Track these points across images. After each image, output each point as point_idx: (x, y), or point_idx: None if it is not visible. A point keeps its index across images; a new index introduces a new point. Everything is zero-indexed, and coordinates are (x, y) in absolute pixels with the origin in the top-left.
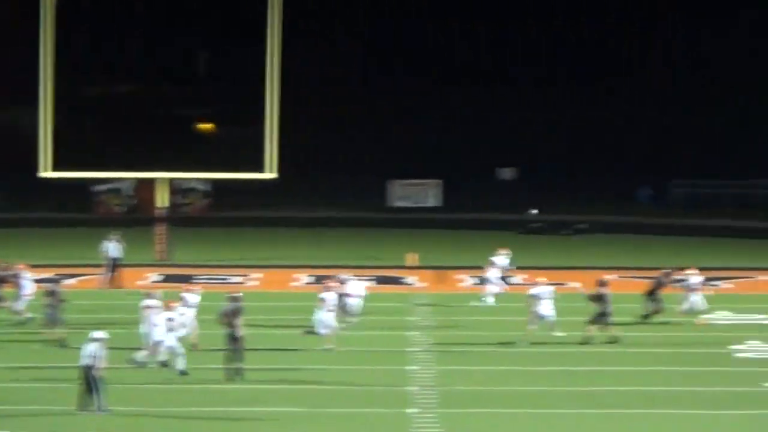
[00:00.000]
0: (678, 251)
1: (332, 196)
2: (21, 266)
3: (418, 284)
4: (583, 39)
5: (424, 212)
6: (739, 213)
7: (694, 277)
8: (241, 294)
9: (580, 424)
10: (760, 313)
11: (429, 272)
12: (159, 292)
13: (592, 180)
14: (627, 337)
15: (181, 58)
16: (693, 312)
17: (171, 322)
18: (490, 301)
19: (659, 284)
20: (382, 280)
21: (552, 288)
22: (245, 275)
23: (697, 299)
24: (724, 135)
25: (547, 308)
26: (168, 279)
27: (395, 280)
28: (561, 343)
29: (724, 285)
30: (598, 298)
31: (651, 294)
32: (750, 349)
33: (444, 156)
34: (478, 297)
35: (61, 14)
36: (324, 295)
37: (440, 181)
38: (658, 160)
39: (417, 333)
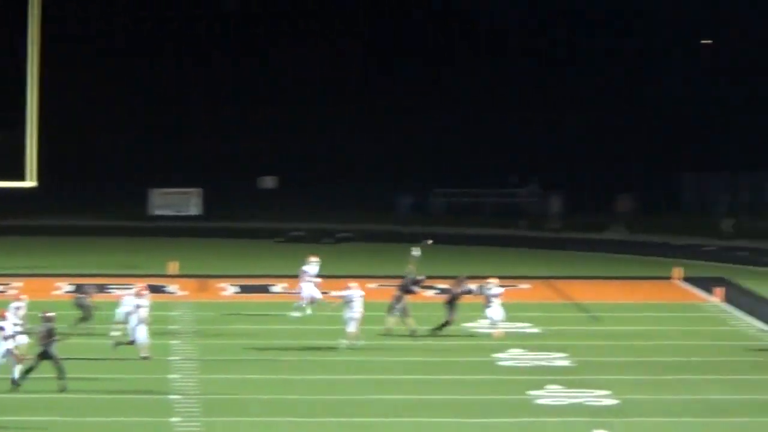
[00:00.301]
0: (438, 259)
1: (93, 204)
2: None
3: (180, 293)
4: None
5: (185, 221)
6: (497, 221)
7: (495, 288)
8: (54, 314)
9: (346, 429)
10: (521, 321)
11: (190, 281)
12: None
13: (353, 189)
14: (392, 345)
15: None
16: (493, 323)
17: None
18: (308, 312)
19: (454, 294)
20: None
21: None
22: (6, 284)
23: (496, 310)
24: (481, 144)
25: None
26: None
27: (157, 289)
28: (332, 350)
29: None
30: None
31: (449, 303)
32: (512, 357)
33: (205, 165)
34: (293, 307)
35: None
36: (139, 301)
37: (201, 190)
38: (419, 169)
39: (178, 341)
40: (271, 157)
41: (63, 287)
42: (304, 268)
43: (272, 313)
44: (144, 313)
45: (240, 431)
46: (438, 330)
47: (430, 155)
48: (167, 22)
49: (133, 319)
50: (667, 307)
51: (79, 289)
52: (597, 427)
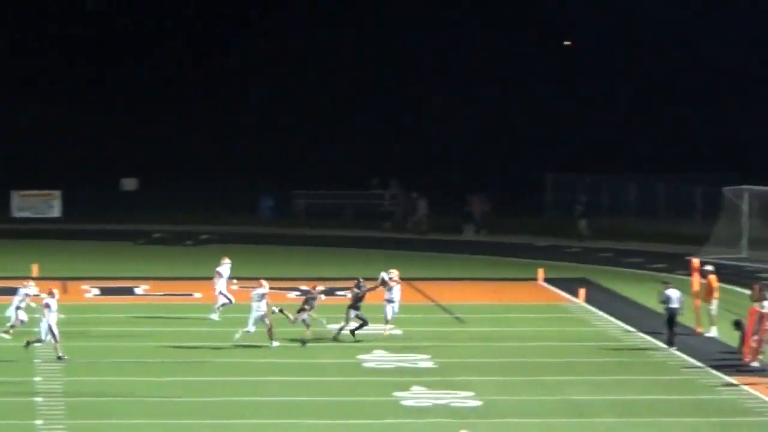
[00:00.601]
0: (300, 261)
1: None
2: None
3: (42, 295)
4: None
5: (46, 223)
6: (360, 223)
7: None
8: None
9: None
10: (378, 323)
11: (53, 282)
12: None
13: (216, 191)
14: (256, 347)
15: None
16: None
17: None
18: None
19: (358, 296)
20: (5, 291)
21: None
22: None
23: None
24: (340, 148)
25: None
26: None
27: (18, 291)
28: (197, 350)
29: (346, 296)
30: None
31: (353, 307)
32: (376, 359)
33: (66, 166)
34: (213, 309)
35: None
36: (49, 300)
37: (59, 192)
38: (281, 171)
39: (41, 344)
40: (133, 158)
41: None
42: (219, 269)
43: (136, 315)
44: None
45: None
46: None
47: (291, 158)
48: (33, 21)
49: (44, 320)
50: (530, 308)
51: None
52: (462, 428)
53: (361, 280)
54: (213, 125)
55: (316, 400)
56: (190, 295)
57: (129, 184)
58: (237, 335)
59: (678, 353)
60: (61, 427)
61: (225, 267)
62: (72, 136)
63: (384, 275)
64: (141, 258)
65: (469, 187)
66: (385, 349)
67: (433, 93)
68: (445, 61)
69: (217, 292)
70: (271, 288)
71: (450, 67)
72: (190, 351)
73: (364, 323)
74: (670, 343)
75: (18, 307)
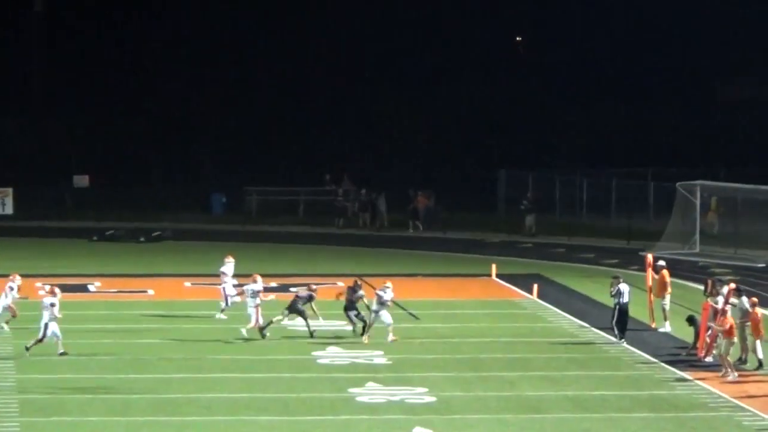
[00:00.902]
0: (252, 257)
1: None
2: None
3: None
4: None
5: None
6: (313, 220)
7: (389, 293)
8: None
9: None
10: (338, 319)
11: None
12: None
13: (169, 188)
14: (212, 342)
15: None
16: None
17: None
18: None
19: (352, 301)
20: None
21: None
22: None
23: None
24: (293, 145)
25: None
26: None
27: None
28: (151, 348)
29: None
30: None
31: (349, 308)
32: (331, 355)
33: (17, 164)
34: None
35: None
36: (52, 299)
37: (11, 189)
38: (233, 169)
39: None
40: (84, 156)
41: None
42: (222, 269)
43: (90, 312)
44: (56, 310)
45: (59, 431)
46: (363, 334)
47: (245, 154)
48: None
49: (45, 317)
50: (483, 304)
51: None
52: (417, 425)
53: (359, 282)
54: (165, 123)
55: (272, 396)
56: (144, 291)
57: (81, 180)
58: (243, 331)
59: (632, 348)
60: (14, 424)
61: (229, 266)
62: (23, 134)
63: (381, 294)
64: (94, 255)
65: (415, 184)
66: (340, 345)
67: (386, 90)
68: (398, 59)
69: (223, 293)
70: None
71: (403, 63)
72: (145, 348)
73: (364, 323)
74: (620, 337)
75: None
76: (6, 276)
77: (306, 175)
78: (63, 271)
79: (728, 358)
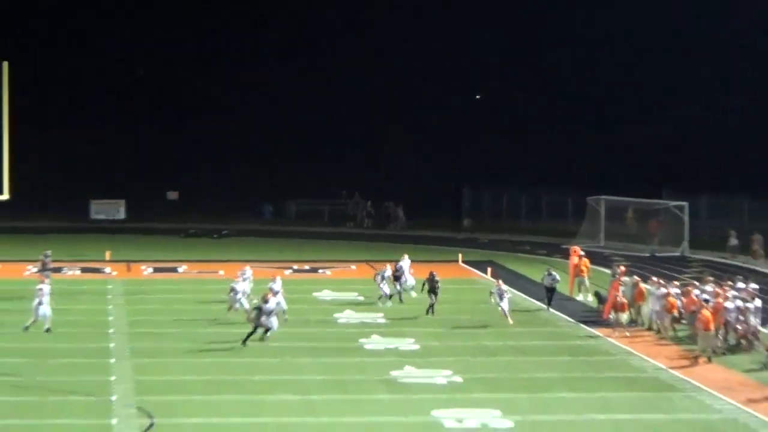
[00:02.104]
0: (291, 249)
1: (48, 211)
2: None
3: (113, 273)
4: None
5: (115, 222)
6: (332, 223)
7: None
8: None
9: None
10: (353, 292)
11: (120, 264)
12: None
13: (231, 199)
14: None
15: None
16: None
17: None
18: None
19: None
20: (86, 270)
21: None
22: None
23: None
24: (322, 168)
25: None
26: None
27: (97, 270)
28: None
29: (325, 273)
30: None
31: (430, 291)
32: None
33: (128, 180)
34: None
35: None
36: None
37: (124, 201)
38: (278, 185)
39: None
40: (174, 176)
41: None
42: (401, 263)
43: (178, 287)
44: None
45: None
46: (428, 312)
47: (288, 175)
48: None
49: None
50: (453, 281)
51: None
52: (405, 364)
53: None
54: (224, 151)
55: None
56: (216, 272)
57: (172, 195)
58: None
59: (558, 313)
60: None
61: (405, 261)
62: (135, 155)
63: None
64: (182, 247)
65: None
66: (353, 310)
67: (390, 125)
68: (398, 99)
69: (405, 281)
70: (277, 268)
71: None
72: (220, 311)
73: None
74: (548, 305)
75: None
76: (124, 261)
77: (329, 190)
78: (160, 257)
79: (623, 321)
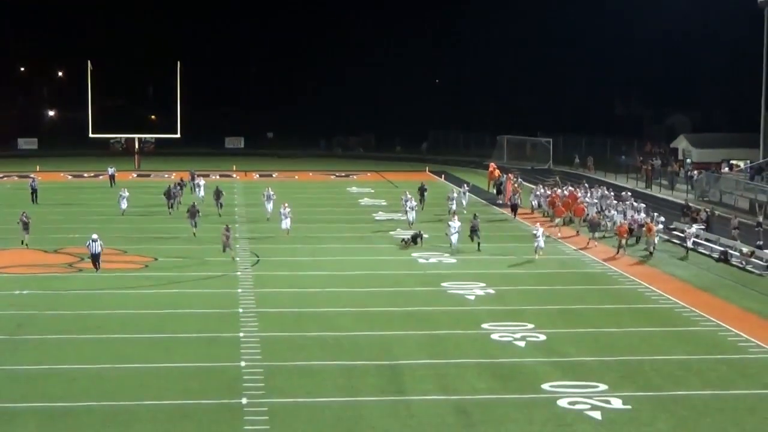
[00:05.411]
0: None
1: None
2: None
3: (237, 177)
4: None
5: (238, 149)
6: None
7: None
8: None
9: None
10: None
11: (240, 172)
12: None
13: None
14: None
15: None
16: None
17: None
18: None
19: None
20: (223, 176)
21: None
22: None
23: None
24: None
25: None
26: None
27: (228, 176)
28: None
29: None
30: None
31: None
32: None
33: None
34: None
35: None
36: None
37: (242, 138)
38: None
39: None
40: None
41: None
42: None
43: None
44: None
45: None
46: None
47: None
48: None
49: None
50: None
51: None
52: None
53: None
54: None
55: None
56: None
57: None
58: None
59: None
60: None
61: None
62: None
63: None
64: (276, 162)
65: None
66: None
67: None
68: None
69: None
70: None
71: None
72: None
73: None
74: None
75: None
76: (243, 171)
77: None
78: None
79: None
